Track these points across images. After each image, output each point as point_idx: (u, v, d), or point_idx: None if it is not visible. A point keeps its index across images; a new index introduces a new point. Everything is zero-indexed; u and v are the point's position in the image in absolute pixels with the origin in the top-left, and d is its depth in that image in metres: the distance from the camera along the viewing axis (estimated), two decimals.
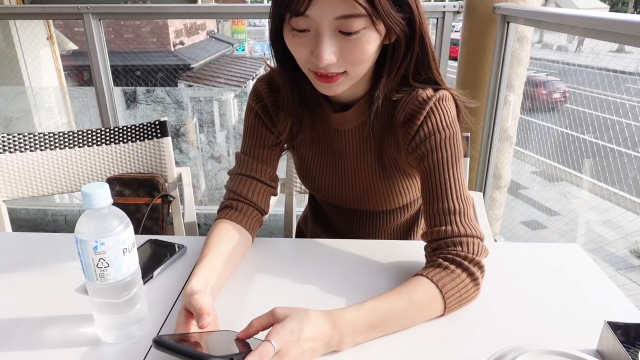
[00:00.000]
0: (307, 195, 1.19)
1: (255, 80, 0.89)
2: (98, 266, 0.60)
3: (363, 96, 0.81)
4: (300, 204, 1.49)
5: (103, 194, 0.59)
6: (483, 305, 0.73)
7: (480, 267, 0.72)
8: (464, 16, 1.79)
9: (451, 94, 0.80)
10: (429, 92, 0.77)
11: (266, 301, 0.65)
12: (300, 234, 1.22)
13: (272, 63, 0.81)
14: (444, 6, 1.69)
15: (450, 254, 0.71)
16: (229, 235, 0.81)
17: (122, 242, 0.61)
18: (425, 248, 0.77)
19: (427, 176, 0.77)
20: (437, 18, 1.72)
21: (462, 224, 0.73)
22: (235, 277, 0.80)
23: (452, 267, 0.70)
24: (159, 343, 0.55)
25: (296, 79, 0.79)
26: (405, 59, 0.74)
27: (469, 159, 1.32)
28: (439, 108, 0.76)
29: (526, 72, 1.80)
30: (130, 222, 0.64)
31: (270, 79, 0.86)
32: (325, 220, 1.08)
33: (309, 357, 0.59)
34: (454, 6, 1.69)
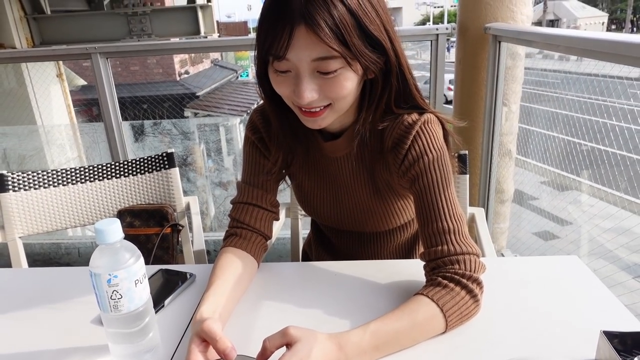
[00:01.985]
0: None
1: (251, 112, 0.94)
2: (112, 298, 0.64)
3: (350, 125, 0.85)
4: (305, 227, 1.52)
5: (115, 230, 0.63)
6: (483, 319, 0.75)
7: (479, 284, 0.74)
8: (457, 37, 1.85)
9: (436, 116, 0.83)
10: (414, 116, 0.80)
11: (274, 324, 0.67)
12: (306, 258, 1.25)
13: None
14: (437, 29, 1.75)
15: (449, 273, 0.73)
16: (235, 263, 0.84)
17: (133, 274, 0.65)
18: (425, 267, 0.79)
19: (419, 198, 0.80)
20: (431, 40, 1.78)
21: (457, 242, 0.75)
22: (243, 301, 0.83)
23: (452, 285, 0.72)
24: None
25: (285, 113, 0.84)
26: (384, 93, 0.78)
27: (468, 175, 1.34)
28: (425, 131, 0.79)
29: (521, 88, 1.84)
30: (141, 255, 0.67)
31: (264, 111, 0.90)
32: (328, 243, 1.11)
33: None
34: (447, 28, 1.75)
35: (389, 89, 0.78)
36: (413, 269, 0.89)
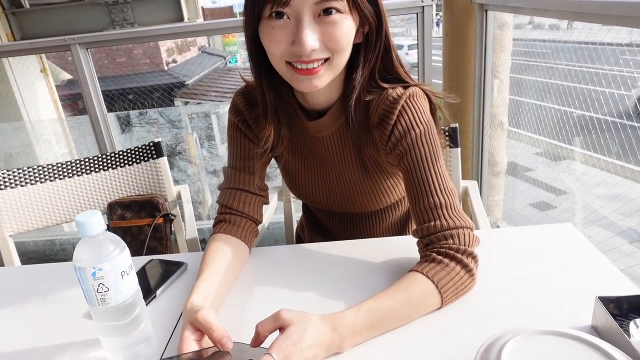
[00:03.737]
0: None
1: (233, 95, 0.91)
2: (98, 291, 0.63)
3: (336, 102, 0.83)
4: (299, 210, 1.52)
5: (96, 222, 0.61)
6: (479, 291, 0.75)
7: (474, 258, 0.73)
8: (443, 9, 1.81)
9: (422, 89, 0.81)
10: (399, 90, 0.79)
11: (267, 308, 0.66)
12: (300, 241, 1.24)
13: (248, 76, 0.83)
14: (422, 1, 1.71)
15: (443, 248, 0.72)
16: (225, 249, 0.82)
17: (119, 265, 0.63)
18: (418, 244, 0.78)
19: (408, 174, 0.78)
20: (417, 13, 1.73)
21: (450, 216, 0.74)
22: (236, 287, 0.82)
23: (446, 260, 0.71)
24: None
25: (275, 86, 0.81)
26: (373, 55, 0.77)
27: (460, 148, 1.33)
28: (411, 105, 0.77)
29: (510, 58, 1.81)
30: (126, 246, 0.66)
31: (247, 93, 0.89)
32: (320, 225, 1.10)
33: None
34: (432, 0, 1.71)
35: (376, 53, 0.77)
36: (406, 246, 0.89)
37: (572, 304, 0.71)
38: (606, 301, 0.63)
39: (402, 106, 0.77)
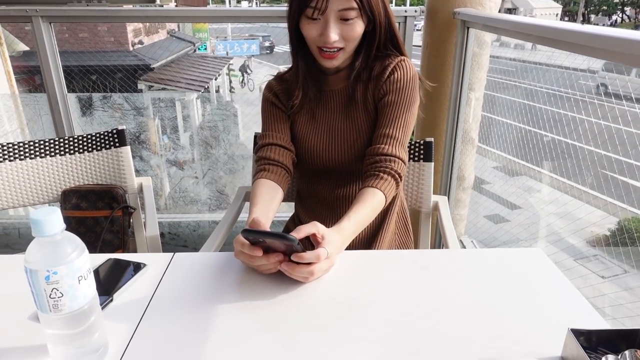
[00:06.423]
0: (288, 205, 1.36)
1: (266, 82, 1.20)
2: (51, 297, 0.57)
3: (349, 64, 1.12)
4: (285, 211, 1.55)
5: (54, 220, 0.56)
6: (449, 316, 0.74)
7: (401, 177, 1.06)
8: (425, 20, 1.81)
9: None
10: (397, 56, 1.10)
11: (259, 309, 0.62)
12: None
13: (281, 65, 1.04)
14: (405, 11, 1.71)
15: (387, 169, 1.04)
16: (267, 190, 1.06)
17: (77, 269, 0.58)
18: (366, 159, 1.07)
19: (386, 107, 1.07)
20: (399, 22, 1.73)
21: (398, 149, 1.05)
22: (222, 297, 0.78)
23: (390, 178, 1.04)
24: (248, 231, 0.75)
25: (305, 58, 1.11)
26: (379, 39, 1.07)
27: (433, 163, 1.34)
28: (404, 65, 1.08)
29: (486, 76, 1.84)
30: (86, 247, 0.61)
31: (277, 78, 1.19)
32: (313, 200, 1.24)
33: (334, 260, 0.83)
34: (415, 10, 1.71)
35: (380, 35, 1.07)
36: (395, 260, 0.87)
37: (541, 332, 0.71)
38: (577, 334, 0.64)
39: (397, 64, 1.08)
